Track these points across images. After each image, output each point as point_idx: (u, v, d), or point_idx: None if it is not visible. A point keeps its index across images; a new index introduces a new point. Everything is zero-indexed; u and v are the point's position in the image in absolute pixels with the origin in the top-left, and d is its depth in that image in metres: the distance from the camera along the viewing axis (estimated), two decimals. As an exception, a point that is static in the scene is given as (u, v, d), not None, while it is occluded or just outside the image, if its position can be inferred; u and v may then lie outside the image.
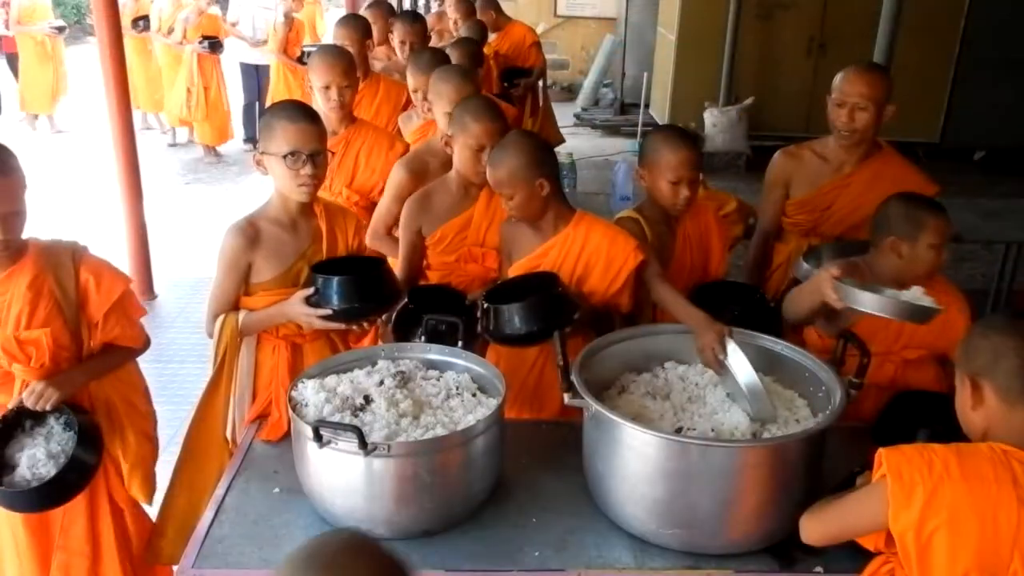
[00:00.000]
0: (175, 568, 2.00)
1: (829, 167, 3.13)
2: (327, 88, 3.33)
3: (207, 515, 2.08)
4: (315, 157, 2.41)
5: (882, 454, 1.58)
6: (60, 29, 9.61)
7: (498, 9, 6.65)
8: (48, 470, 2.19)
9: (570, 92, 11.66)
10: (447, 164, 3.14)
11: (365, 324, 2.54)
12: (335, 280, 2.36)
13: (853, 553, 1.77)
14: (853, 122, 2.97)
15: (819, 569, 1.93)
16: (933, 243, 2.38)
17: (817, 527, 1.75)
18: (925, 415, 2.21)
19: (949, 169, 7.29)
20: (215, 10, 8.97)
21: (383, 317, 2.76)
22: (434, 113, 3.28)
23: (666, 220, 2.77)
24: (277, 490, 2.17)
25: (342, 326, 2.48)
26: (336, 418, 2.04)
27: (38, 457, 2.21)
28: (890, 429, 2.28)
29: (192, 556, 1.95)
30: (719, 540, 1.95)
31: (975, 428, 1.63)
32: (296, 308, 2.37)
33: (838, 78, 3.02)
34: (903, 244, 2.39)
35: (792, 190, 3.20)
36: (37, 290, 2.20)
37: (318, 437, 1.90)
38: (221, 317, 2.45)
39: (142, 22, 8.86)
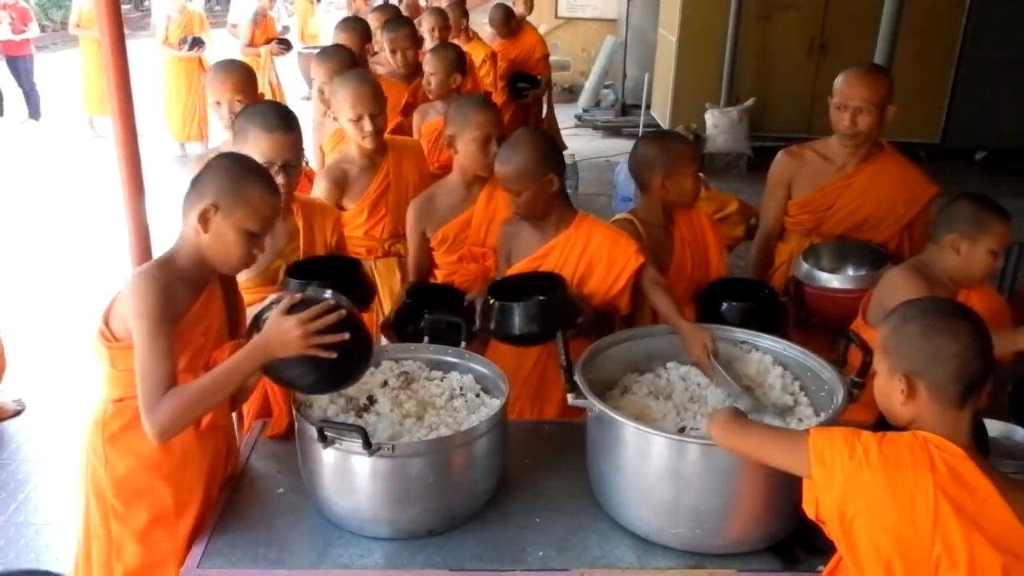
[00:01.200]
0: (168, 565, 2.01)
1: (831, 167, 3.13)
2: (218, 104, 3.09)
3: (211, 515, 2.09)
4: (288, 168, 2.46)
5: (810, 434, 1.60)
6: None
7: (511, 13, 6.74)
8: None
9: (571, 93, 11.66)
10: (366, 171, 3.15)
11: None
12: (308, 285, 2.37)
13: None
14: (855, 125, 2.97)
15: (821, 568, 1.93)
16: (993, 248, 2.44)
17: (733, 441, 1.75)
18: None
19: (950, 170, 7.30)
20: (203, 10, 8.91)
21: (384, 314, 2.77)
22: (339, 122, 3.14)
23: (662, 223, 2.78)
24: (281, 490, 2.18)
25: None
26: (340, 418, 2.06)
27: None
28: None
29: (196, 556, 1.96)
30: (721, 539, 1.96)
31: (901, 420, 1.64)
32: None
33: (839, 81, 3.01)
34: (963, 242, 2.45)
35: (794, 190, 3.21)
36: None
37: (322, 437, 1.90)
38: None
39: (189, 39, 8.51)
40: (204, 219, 1.95)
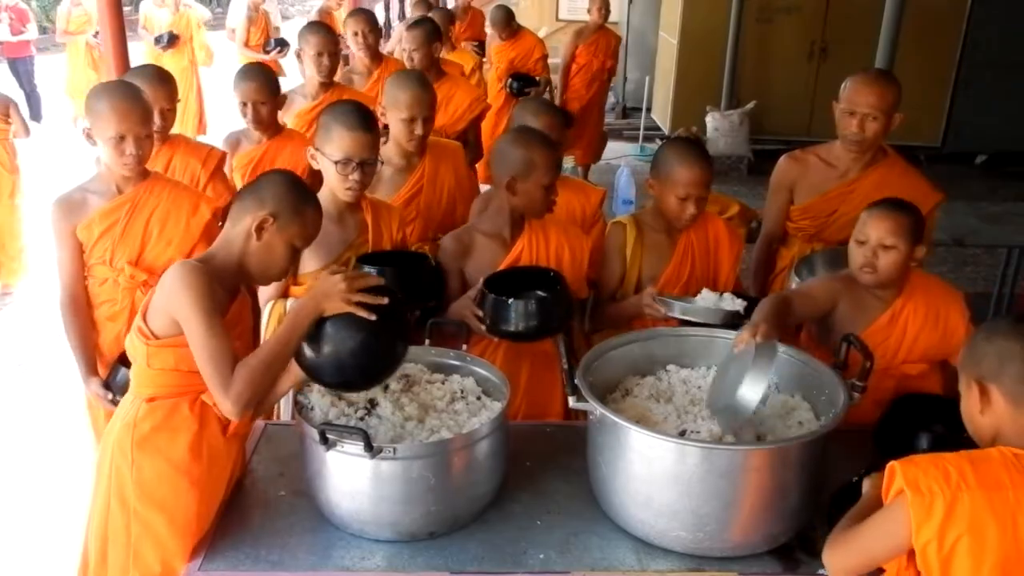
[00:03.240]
0: (181, 571, 2.00)
1: (834, 172, 3.12)
2: (121, 139, 2.61)
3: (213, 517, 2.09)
4: (365, 165, 2.56)
5: (896, 467, 1.55)
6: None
7: (511, 14, 6.87)
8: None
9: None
10: (401, 172, 3.13)
11: None
12: (377, 271, 2.39)
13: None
14: (863, 132, 2.96)
15: (822, 571, 1.94)
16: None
17: (842, 561, 1.68)
18: (926, 418, 2.22)
19: (951, 173, 7.30)
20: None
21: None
22: (386, 118, 3.06)
23: (666, 229, 2.78)
24: (282, 493, 2.18)
25: None
26: (342, 421, 2.06)
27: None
28: (891, 433, 2.29)
29: (198, 558, 1.96)
30: (722, 542, 1.96)
31: (984, 433, 1.63)
32: None
33: (847, 86, 2.99)
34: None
35: (796, 195, 3.20)
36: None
37: (324, 440, 1.91)
38: (269, 304, 2.53)
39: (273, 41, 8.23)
40: (260, 228, 2.01)
